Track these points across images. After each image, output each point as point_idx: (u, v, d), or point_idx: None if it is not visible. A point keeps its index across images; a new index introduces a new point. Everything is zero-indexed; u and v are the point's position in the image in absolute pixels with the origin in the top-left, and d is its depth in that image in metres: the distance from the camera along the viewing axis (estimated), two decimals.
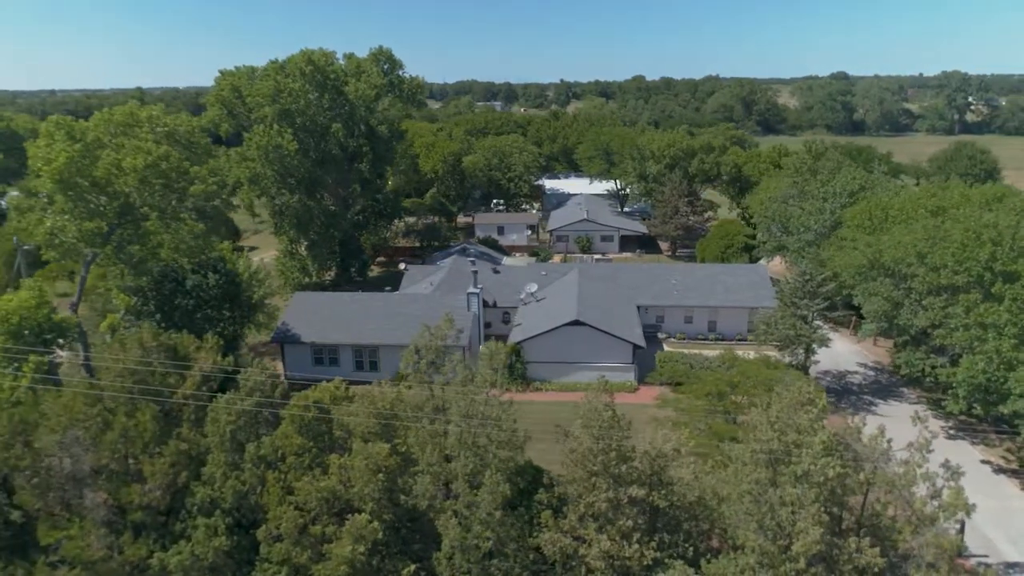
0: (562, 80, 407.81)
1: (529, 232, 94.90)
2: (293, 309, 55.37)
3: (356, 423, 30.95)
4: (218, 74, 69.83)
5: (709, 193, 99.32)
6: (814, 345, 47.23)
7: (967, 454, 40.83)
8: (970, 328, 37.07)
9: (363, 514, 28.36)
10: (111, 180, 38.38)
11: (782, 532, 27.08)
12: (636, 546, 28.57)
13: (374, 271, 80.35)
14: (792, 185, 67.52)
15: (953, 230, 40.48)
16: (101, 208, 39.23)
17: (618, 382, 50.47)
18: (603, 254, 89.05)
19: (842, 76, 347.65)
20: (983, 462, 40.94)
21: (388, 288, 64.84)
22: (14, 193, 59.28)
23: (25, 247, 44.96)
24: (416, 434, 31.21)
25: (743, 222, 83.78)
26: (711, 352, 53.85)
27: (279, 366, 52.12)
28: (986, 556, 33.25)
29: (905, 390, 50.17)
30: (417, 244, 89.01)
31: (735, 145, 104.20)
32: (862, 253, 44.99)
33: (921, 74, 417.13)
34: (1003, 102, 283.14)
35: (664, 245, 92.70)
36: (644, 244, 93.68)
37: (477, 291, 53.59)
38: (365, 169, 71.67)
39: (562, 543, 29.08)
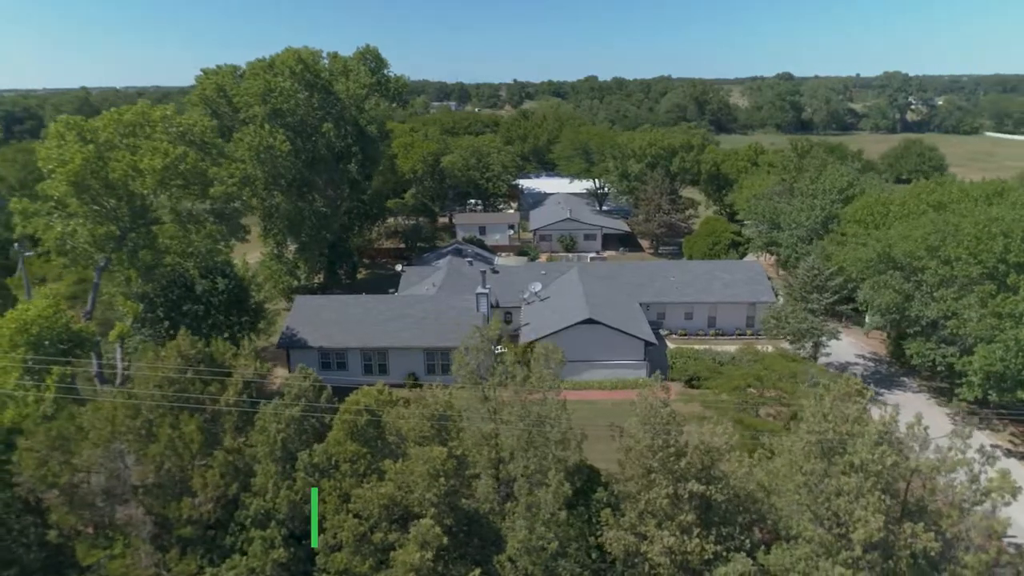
0: (515, 80, 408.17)
1: (511, 231, 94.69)
2: (296, 314, 54.03)
3: (409, 427, 30.42)
4: (200, 73, 67.71)
5: (687, 191, 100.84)
6: (823, 338, 48.46)
7: (976, 439, 42.33)
8: (986, 318, 38.55)
9: (426, 519, 27.89)
10: (127, 182, 36.88)
11: (838, 521, 27.65)
12: (696, 540, 28.85)
13: (362, 273, 79.06)
14: (780, 182, 69.10)
15: (963, 224, 42.05)
16: (115, 211, 37.68)
17: (631, 379, 51.05)
18: (597, 252, 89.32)
19: (787, 76, 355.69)
20: (993, 446, 42.58)
21: (392, 290, 63.92)
22: None
23: (28, 254, 42.72)
24: (471, 436, 30.86)
25: (726, 219, 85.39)
26: (720, 347, 54.69)
27: (283, 372, 50.83)
28: (1014, 536, 34.54)
29: (906, 379, 51.88)
30: (402, 245, 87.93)
31: (708, 144, 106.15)
32: (872, 248, 46.34)
33: (859, 74, 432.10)
34: (940, 102, 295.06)
35: (645, 243, 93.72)
36: (625, 242, 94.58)
37: (486, 291, 53.20)
38: (354, 170, 70.47)
39: (625, 540, 29.10)
